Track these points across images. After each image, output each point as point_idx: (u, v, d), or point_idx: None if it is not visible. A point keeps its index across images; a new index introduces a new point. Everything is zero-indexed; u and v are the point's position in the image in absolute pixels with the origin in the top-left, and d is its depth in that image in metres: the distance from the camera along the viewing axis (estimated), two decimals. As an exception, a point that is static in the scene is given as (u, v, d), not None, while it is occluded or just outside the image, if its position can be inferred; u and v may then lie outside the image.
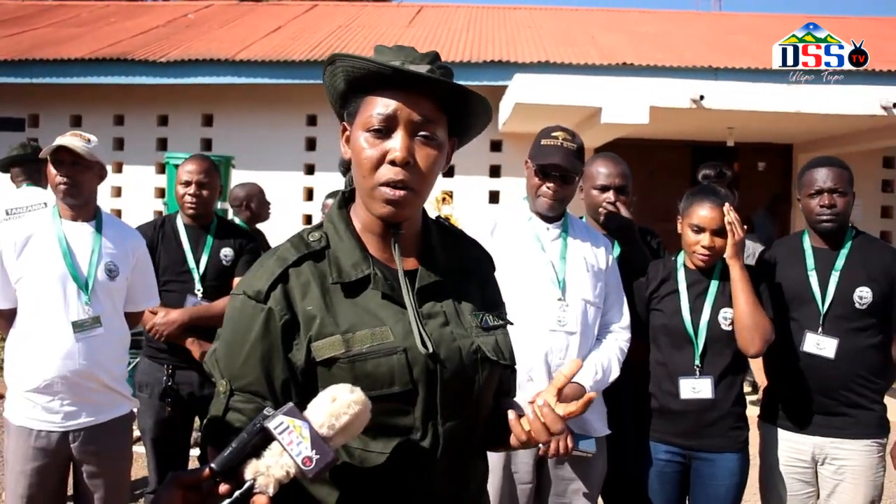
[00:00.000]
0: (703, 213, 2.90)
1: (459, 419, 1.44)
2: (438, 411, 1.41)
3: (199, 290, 3.73)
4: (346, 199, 1.53)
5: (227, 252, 3.83)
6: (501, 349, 1.52)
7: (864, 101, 6.78)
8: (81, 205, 3.06)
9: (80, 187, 3.03)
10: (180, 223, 3.85)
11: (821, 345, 2.95)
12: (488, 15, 12.46)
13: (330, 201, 4.57)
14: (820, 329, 2.96)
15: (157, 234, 3.77)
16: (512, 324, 1.63)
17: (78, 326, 2.91)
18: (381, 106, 1.37)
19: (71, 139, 2.99)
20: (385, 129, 1.38)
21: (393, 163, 1.36)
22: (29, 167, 5.14)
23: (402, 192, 1.37)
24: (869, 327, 2.95)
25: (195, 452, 4.55)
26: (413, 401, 1.39)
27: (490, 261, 1.71)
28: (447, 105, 1.43)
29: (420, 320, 1.41)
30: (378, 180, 1.38)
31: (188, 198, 3.77)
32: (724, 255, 2.88)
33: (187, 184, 3.78)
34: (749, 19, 12.94)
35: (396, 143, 1.37)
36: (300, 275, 1.40)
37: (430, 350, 1.38)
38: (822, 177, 3.00)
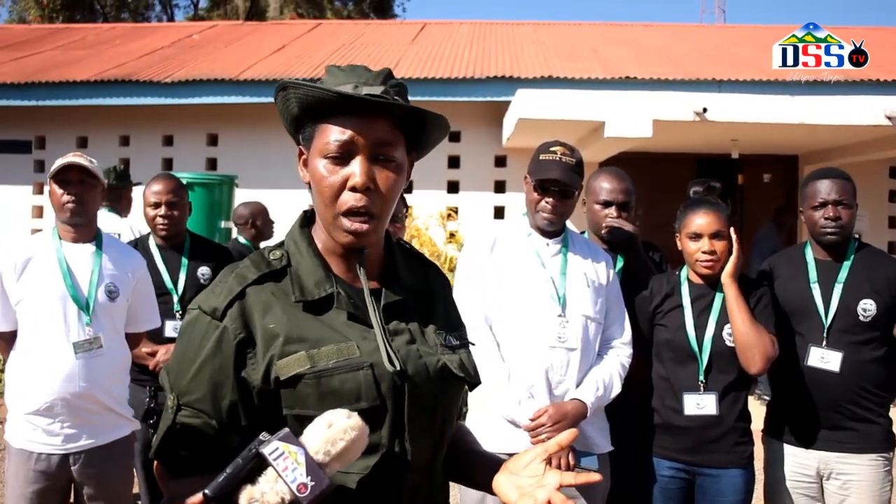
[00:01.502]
0: (698, 220, 2.91)
1: (427, 436, 1.43)
2: (406, 428, 1.39)
3: (178, 312, 3.68)
4: (307, 217, 1.52)
5: (204, 270, 3.78)
6: (467, 367, 1.51)
7: (868, 111, 6.74)
8: (86, 224, 3.07)
9: (86, 205, 3.04)
10: (153, 244, 3.79)
11: (825, 358, 2.92)
12: (492, 31, 12.47)
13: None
14: (824, 342, 2.93)
15: None
16: (474, 344, 1.63)
17: (79, 347, 2.91)
18: (337, 132, 1.37)
19: (76, 158, 3.01)
20: (344, 155, 1.37)
21: (354, 189, 1.36)
22: (112, 192, 4.88)
23: (365, 226, 1.37)
24: (873, 340, 2.92)
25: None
26: (381, 417, 1.36)
27: (448, 283, 1.70)
28: (404, 123, 1.42)
29: (387, 337, 1.39)
30: (340, 208, 1.37)
31: (159, 220, 3.71)
32: (722, 274, 2.87)
33: (156, 205, 3.71)
34: (752, 31, 12.86)
35: (356, 169, 1.36)
36: (261, 292, 1.38)
37: (398, 367, 1.36)
38: (826, 189, 2.97)
